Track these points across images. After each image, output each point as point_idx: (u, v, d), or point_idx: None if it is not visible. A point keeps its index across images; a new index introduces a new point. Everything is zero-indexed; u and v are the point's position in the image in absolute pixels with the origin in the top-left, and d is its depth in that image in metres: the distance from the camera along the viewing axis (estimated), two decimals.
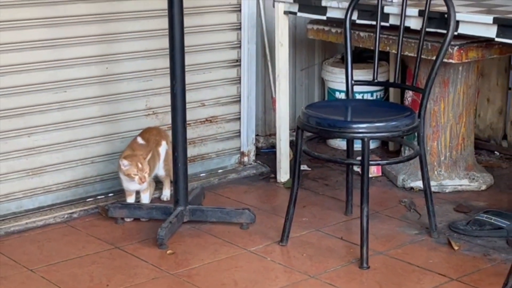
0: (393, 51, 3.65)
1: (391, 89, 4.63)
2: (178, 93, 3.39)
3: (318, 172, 4.28)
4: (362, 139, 3.09)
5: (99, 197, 3.82)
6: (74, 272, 3.10)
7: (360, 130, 3.10)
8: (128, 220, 3.59)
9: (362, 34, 3.78)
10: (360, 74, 4.30)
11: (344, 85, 3.59)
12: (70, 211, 3.66)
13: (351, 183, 3.65)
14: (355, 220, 3.55)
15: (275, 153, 4.20)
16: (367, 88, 4.49)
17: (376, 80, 3.58)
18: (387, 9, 3.55)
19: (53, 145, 3.68)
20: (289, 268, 3.14)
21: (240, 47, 4.20)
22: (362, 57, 4.60)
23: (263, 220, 3.60)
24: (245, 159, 4.34)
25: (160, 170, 3.75)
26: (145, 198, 3.62)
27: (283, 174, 4.14)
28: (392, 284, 2.99)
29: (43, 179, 3.69)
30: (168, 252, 3.27)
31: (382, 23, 3.52)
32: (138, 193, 3.62)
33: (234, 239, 3.40)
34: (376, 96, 4.60)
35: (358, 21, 3.66)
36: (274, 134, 4.32)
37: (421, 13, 3.41)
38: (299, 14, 3.94)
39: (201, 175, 4.15)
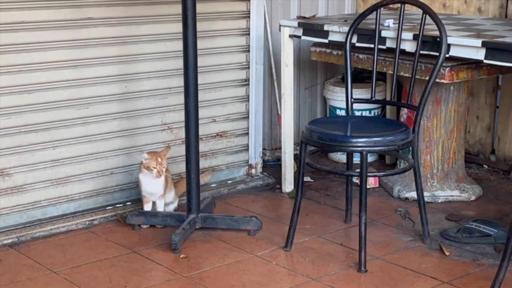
0: (390, 71, 3.64)
1: (388, 107, 4.62)
2: (192, 109, 3.39)
3: (320, 183, 4.26)
4: (361, 152, 3.08)
5: (117, 205, 3.81)
6: (95, 274, 3.09)
7: (359, 144, 3.09)
8: (145, 226, 3.57)
9: (361, 56, 3.77)
10: (359, 93, 4.29)
11: (344, 103, 3.57)
12: (91, 218, 3.65)
13: (350, 193, 3.63)
14: (354, 228, 3.53)
15: (280, 165, 4.18)
16: (365, 105, 4.47)
17: (374, 98, 3.57)
18: (384, 33, 3.54)
19: (76, 157, 3.67)
20: (292, 272, 3.13)
21: (248, 67, 4.18)
22: (361, 77, 4.57)
23: (269, 227, 3.59)
24: (253, 171, 4.32)
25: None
26: (160, 205, 3.59)
27: (288, 185, 4.12)
28: (388, 286, 2.98)
29: (67, 188, 3.67)
30: (181, 256, 3.26)
31: (380, 46, 3.51)
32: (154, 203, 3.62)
33: (242, 244, 3.39)
34: (374, 113, 4.57)
35: (357, 44, 3.65)
36: (280, 148, 4.29)
37: (415, 37, 3.40)
38: (303, 37, 3.93)
39: (212, 185, 4.12)
